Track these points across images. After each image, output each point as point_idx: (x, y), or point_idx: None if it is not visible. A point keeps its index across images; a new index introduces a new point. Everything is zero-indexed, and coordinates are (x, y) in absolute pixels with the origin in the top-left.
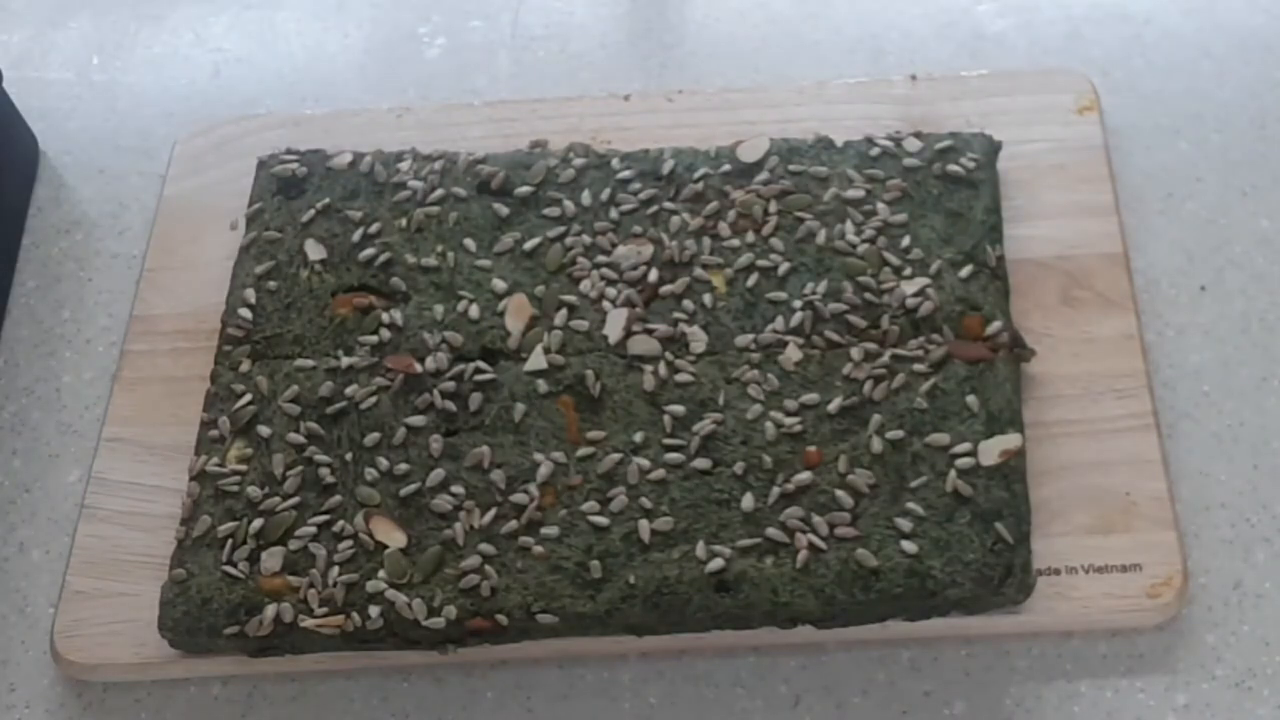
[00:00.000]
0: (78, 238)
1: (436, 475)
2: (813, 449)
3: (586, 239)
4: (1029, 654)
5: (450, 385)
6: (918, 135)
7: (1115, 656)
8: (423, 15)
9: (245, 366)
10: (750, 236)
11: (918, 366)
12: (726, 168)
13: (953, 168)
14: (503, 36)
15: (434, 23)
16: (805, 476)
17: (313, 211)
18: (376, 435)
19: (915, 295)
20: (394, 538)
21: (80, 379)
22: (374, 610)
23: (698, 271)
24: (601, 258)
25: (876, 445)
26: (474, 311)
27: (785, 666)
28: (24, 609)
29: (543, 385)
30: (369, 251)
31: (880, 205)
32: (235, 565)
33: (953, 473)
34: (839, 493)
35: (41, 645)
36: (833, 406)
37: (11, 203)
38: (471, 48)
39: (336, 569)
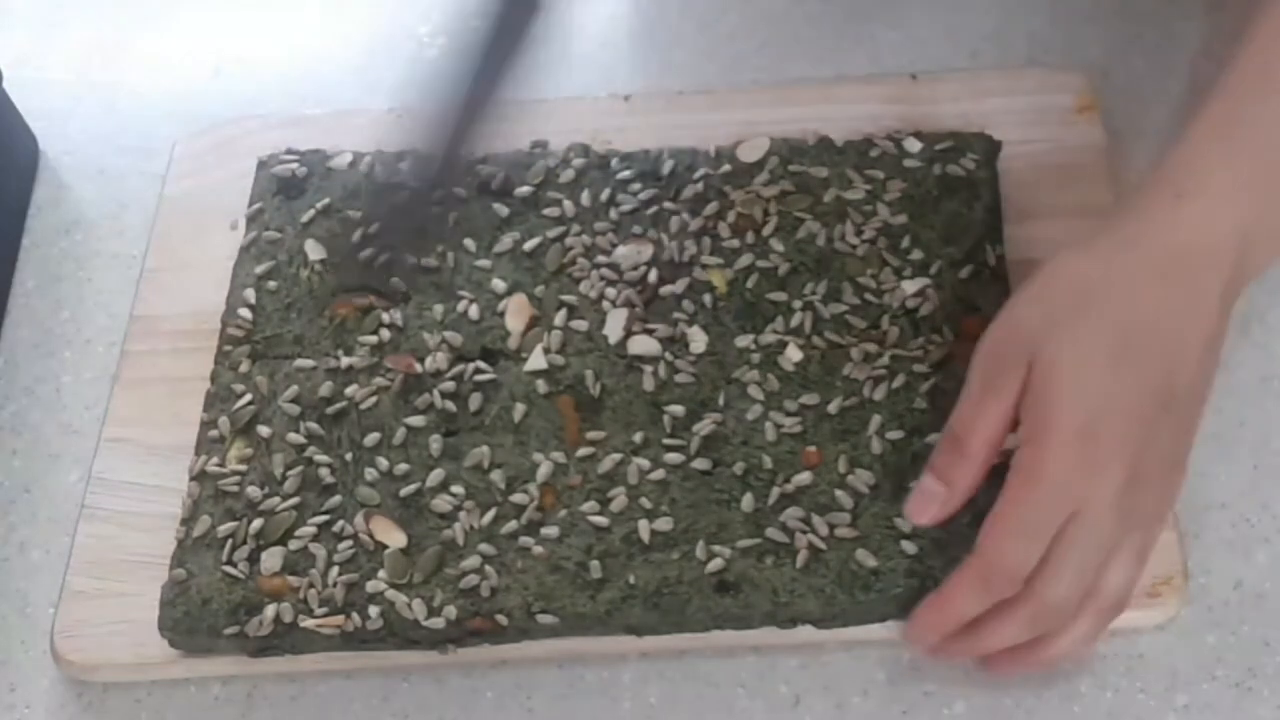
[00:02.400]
0: (78, 238)
1: (436, 475)
2: (813, 449)
3: (586, 239)
4: None
5: (450, 385)
6: (918, 135)
7: (1115, 656)
8: (423, 15)
9: (245, 366)
10: (750, 237)
11: (918, 367)
12: (726, 168)
13: (953, 168)
14: None
15: (434, 23)
16: (805, 477)
17: (313, 211)
18: (376, 435)
19: (915, 296)
20: (394, 538)
21: (80, 379)
22: (374, 610)
23: (698, 272)
24: (601, 258)
25: (876, 446)
26: (474, 312)
27: (785, 666)
28: (24, 609)
29: (543, 385)
30: (369, 251)
31: (880, 206)
32: (235, 565)
33: None
34: (839, 493)
35: (41, 645)
36: (833, 407)
37: (11, 203)
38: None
39: (336, 569)
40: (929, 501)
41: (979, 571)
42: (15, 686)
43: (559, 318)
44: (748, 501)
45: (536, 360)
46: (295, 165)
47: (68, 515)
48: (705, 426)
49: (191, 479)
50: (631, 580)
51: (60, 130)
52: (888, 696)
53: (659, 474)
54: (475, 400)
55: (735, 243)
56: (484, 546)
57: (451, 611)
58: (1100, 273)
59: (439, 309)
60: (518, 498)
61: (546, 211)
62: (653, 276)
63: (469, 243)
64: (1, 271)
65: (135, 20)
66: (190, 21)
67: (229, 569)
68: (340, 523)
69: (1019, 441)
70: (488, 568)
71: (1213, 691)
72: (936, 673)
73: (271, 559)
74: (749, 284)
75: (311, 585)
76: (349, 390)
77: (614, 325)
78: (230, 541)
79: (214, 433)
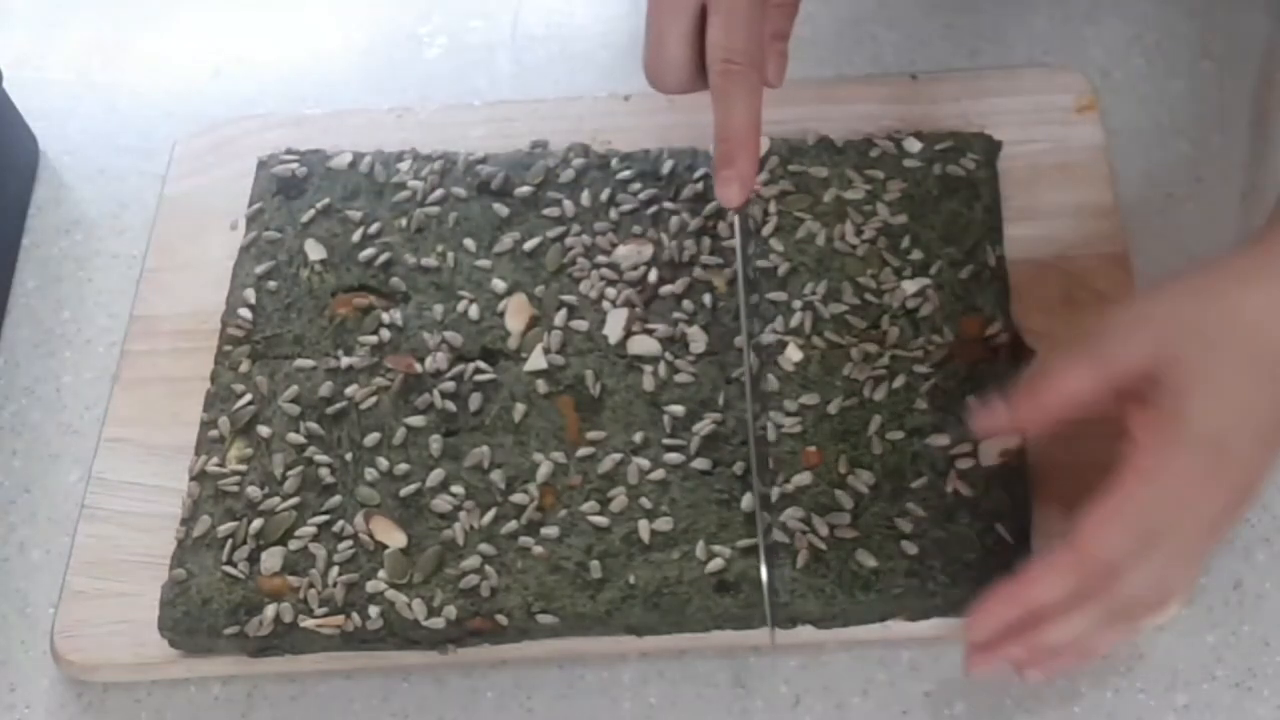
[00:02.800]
0: (78, 238)
1: (436, 475)
2: (813, 449)
3: (586, 239)
4: None
5: (450, 385)
6: (918, 135)
7: (1115, 656)
8: (423, 15)
9: (245, 366)
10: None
11: (918, 367)
12: None
13: (953, 168)
14: (503, 37)
15: (434, 23)
16: (805, 477)
17: (313, 211)
18: (376, 435)
19: (915, 296)
20: (394, 538)
21: (80, 379)
22: (374, 610)
23: (697, 272)
24: (601, 258)
25: (876, 446)
26: (474, 312)
27: (785, 666)
28: (24, 609)
29: (542, 385)
30: (369, 251)
31: (880, 206)
32: (235, 565)
33: (953, 473)
34: (839, 493)
35: (41, 645)
36: (833, 407)
37: (11, 203)
38: (471, 48)
39: (336, 569)
40: (992, 419)
41: (1075, 559)
42: (15, 686)
43: (559, 318)
44: (747, 501)
45: (536, 360)
46: (295, 165)
47: (68, 515)
48: (705, 426)
49: (191, 479)
50: (631, 580)
51: (60, 130)
52: (888, 696)
53: (659, 474)
54: (475, 400)
55: (735, 242)
56: (484, 546)
57: (451, 611)
58: (1233, 294)
59: (439, 309)
60: (518, 498)
61: (546, 211)
62: (653, 276)
63: (469, 242)
64: (1, 271)
65: (135, 20)
66: (190, 21)
67: (229, 569)
68: (340, 523)
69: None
70: (488, 568)
71: (1213, 691)
72: (936, 673)
73: (271, 559)
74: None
75: (311, 585)
76: (349, 390)
77: (614, 325)
78: (230, 541)
79: (214, 433)
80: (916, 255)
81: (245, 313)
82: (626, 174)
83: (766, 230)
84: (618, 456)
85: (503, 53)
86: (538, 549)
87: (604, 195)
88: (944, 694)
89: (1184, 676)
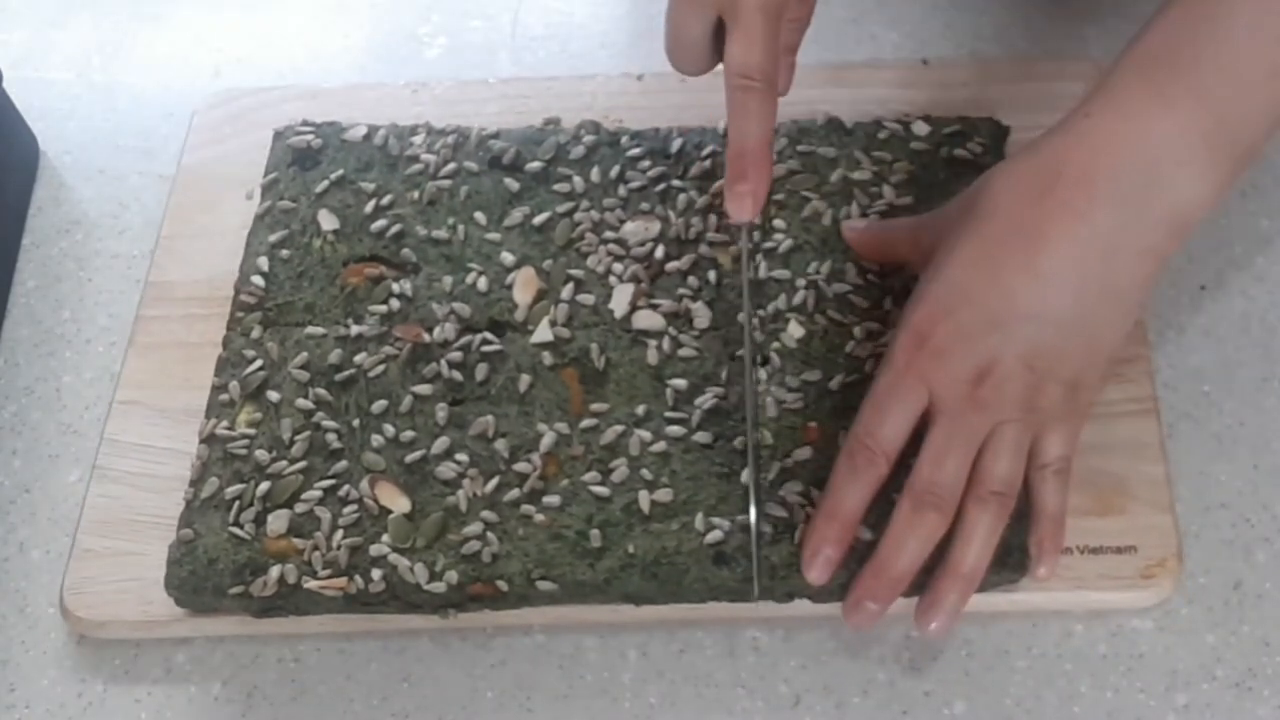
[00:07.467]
0: (78, 238)
1: (441, 443)
2: (813, 425)
3: (595, 215)
4: (1029, 654)
5: (457, 355)
6: (926, 119)
7: (1115, 657)
8: (423, 15)
9: (257, 333)
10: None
11: None
12: None
13: (960, 152)
14: (503, 37)
15: (434, 23)
16: (805, 452)
17: (327, 182)
18: (384, 403)
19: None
20: (398, 503)
21: (80, 379)
22: (376, 573)
23: (703, 248)
24: (609, 233)
25: None
26: (482, 284)
27: (785, 666)
28: (24, 609)
29: (548, 357)
30: (381, 223)
31: (886, 188)
32: (242, 527)
33: None
34: None
35: (42, 645)
36: (834, 383)
37: (11, 203)
38: (471, 48)
39: (341, 532)
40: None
41: (844, 451)
42: (15, 686)
43: (566, 291)
44: (748, 475)
45: (543, 332)
46: (310, 137)
47: (67, 515)
48: (707, 400)
49: (201, 442)
50: (631, 550)
51: (60, 130)
52: (888, 696)
53: (660, 446)
54: (481, 370)
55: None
56: (486, 513)
57: (453, 576)
58: (980, 185)
59: (448, 280)
60: (521, 466)
61: (557, 187)
62: (659, 252)
63: (479, 216)
64: (1, 271)
65: (135, 20)
66: (190, 21)
67: (235, 530)
68: (346, 487)
69: None
70: (489, 534)
71: (1213, 691)
72: (936, 673)
73: (277, 521)
74: (754, 261)
75: (316, 548)
76: (358, 358)
77: (620, 300)
78: (238, 503)
79: (224, 397)
80: None
81: (258, 280)
82: (636, 151)
83: (773, 208)
84: (620, 428)
85: (503, 53)
86: (539, 517)
87: (613, 172)
88: (944, 694)
89: (1184, 676)
